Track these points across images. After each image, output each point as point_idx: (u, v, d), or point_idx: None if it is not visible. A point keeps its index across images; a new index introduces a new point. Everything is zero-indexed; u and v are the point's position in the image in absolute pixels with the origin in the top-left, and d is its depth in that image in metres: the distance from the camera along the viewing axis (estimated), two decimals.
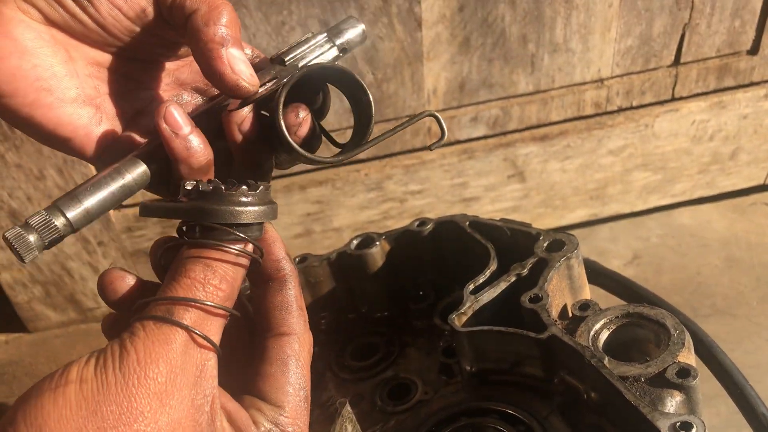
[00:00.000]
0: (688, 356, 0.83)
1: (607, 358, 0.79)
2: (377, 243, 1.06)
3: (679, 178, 1.93)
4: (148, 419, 0.48)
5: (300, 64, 0.67)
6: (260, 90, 0.63)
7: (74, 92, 0.63)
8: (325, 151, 0.67)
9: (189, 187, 0.57)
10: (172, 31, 0.64)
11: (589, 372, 0.79)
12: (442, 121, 0.68)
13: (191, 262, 0.54)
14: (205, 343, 0.53)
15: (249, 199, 0.57)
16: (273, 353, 0.59)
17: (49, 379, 0.48)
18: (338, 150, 0.69)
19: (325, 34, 0.69)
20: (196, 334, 0.52)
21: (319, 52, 0.68)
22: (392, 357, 1.03)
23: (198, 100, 0.70)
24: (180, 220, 0.58)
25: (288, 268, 0.61)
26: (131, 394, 0.48)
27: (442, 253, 1.07)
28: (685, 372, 0.78)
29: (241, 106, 0.63)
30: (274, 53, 0.67)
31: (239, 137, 0.64)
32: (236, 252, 0.56)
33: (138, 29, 0.63)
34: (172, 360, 0.50)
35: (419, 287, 1.10)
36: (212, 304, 0.54)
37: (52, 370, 0.50)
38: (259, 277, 0.61)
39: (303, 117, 0.66)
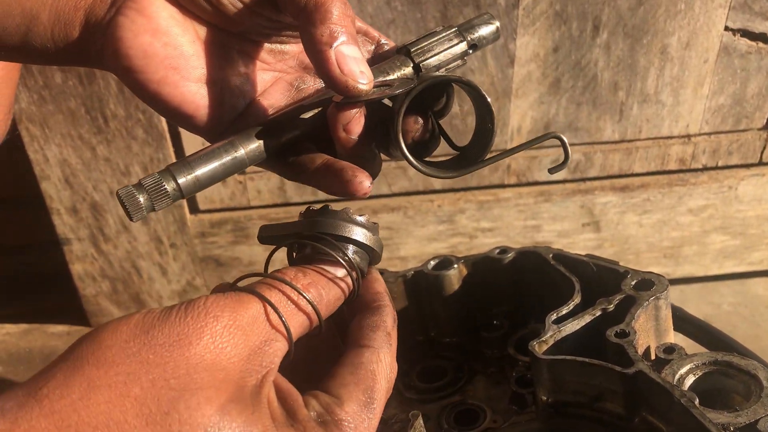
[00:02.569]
0: None
1: (697, 400, 0.75)
2: (455, 266, 1.05)
3: (759, 246, 1.87)
4: (197, 351, 0.47)
5: (427, 59, 0.65)
6: (373, 92, 0.60)
7: (200, 71, 0.64)
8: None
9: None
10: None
11: (678, 413, 0.75)
12: (567, 145, 0.63)
13: (291, 268, 0.57)
14: (279, 324, 0.52)
15: (364, 220, 0.59)
16: (347, 359, 0.57)
17: None
18: (456, 152, 0.67)
19: (456, 29, 0.67)
20: (273, 308, 0.52)
21: (448, 46, 0.66)
22: (460, 383, 1.01)
23: (320, 83, 0.70)
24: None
25: (386, 301, 0.61)
26: (187, 323, 0.48)
27: (520, 284, 1.05)
28: None
29: (346, 103, 0.61)
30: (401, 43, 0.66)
31: (343, 135, 0.62)
32: (336, 275, 0.58)
33: (260, 15, 0.64)
34: (238, 318, 0.50)
35: (493, 316, 1.08)
36: (300, 290, 0.54)
37: None
38: (356, 306, 0.61)
39: (420, 122, 0.65)
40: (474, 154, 0.65)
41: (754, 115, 1.66)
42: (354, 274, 0.59)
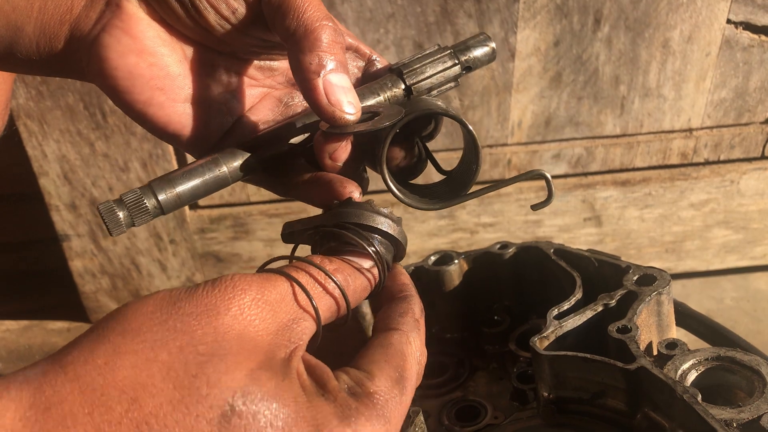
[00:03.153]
0: None
1: (700, 396, 0.75)
2: (456, 261, 1.04)
3: (761, 240, 1.86)
4: (225, 320, 0.46)
5: (419, 81, 0.65)
6: (361, 121, 0.60)
7: (186, 92, 0.63)
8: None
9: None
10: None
11: (680, 409, 0.75)
12: (552, 184, 0.63)
13: (317, 256, 0.56)
14: (307, 304, 0.51)
15: (388, 212, 0.58)
16: (376, 341, 0.55)
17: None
18: (443, 177, 0.68)
19: (450, 50, 0.67)
20: (302, 288, 0.51)
21: (442, 68, 0.66)
22: (461, 379, 1.01)
23: None
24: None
25: (412, 292, 0.60)
26: (215, 295, 0.47)
27: (521, 280, 1.04)
28: None
29: (333, 133, 0.60)
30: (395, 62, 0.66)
31: (329, 162, 0.62)
32: (362, 266, 0.57)
33: (249, 36, 0.63)
34: (266, 294, 0.49)
35: (494, 312, 1.07)
36: (329, 273, 0.53)
37: None
38: (382, 298, 0.60)
39: (408, 151, 0.66)
40: (458, 184, 0.65)
41: (756, 108, 1.65)
42: (380, 265, 0.58)
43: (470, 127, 0.61)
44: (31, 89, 1.43)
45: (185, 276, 1.74)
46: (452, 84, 0.67)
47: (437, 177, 0.69)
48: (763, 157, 1.73)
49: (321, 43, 0.57)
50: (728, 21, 1.51)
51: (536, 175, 0.62)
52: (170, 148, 1.53)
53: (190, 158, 0.67)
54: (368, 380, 0.51)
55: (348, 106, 0.58)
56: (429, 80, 0.65)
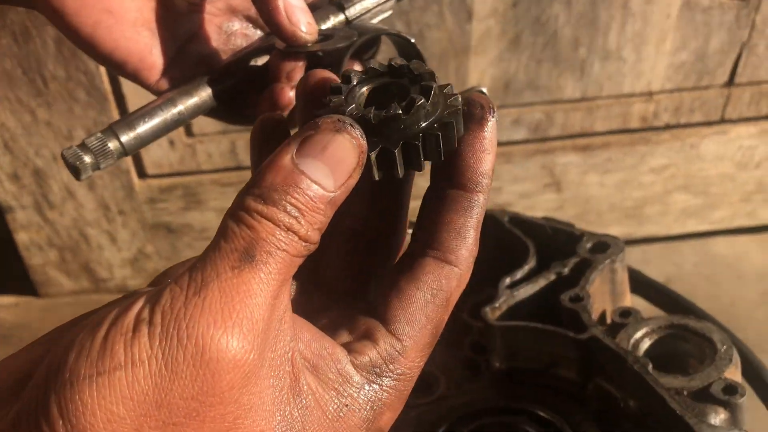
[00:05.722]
0: (735, 374, 0.78)
1: (650, 365, 0.73)
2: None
3: (720, 204, 1.86)
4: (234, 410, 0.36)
5: (358, 13, 0.68)
6: (315, 46, 0.64)
7: (134, 14, 0.63)
8: None
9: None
10: None
11: (630, 379, 0.73)
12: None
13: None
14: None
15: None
16: (426, 276, 0.43)
17: (85, 353, 0.34)
18: None
19: None
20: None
21: None
22: None
23: (248, 28, 0.70)
24: None
25: (486, 191, 0.44)
26: (204, 378, 0.35)
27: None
28: (731, 389, 0.73)
29: (290, 53, 0.64)
30: None
31: (284, 83, 0.64)
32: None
33: None
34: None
35: None
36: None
37: None
38: (447, 180, 0.44)
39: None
40: None
41: (716, 71, 1.63)
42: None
43: (416, 45, 0.66)
44: None
45: (136, 247, 1.69)
46: (387, 13, 0.71)
47: None
48: (722, 121, 1.72)
49: None
50: None
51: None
52: (116, 114, 1.46)
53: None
54: (402, 356, 0.42)
55: (306, 26, 0.61)
56: (367, 12, 0.69)
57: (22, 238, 1.64)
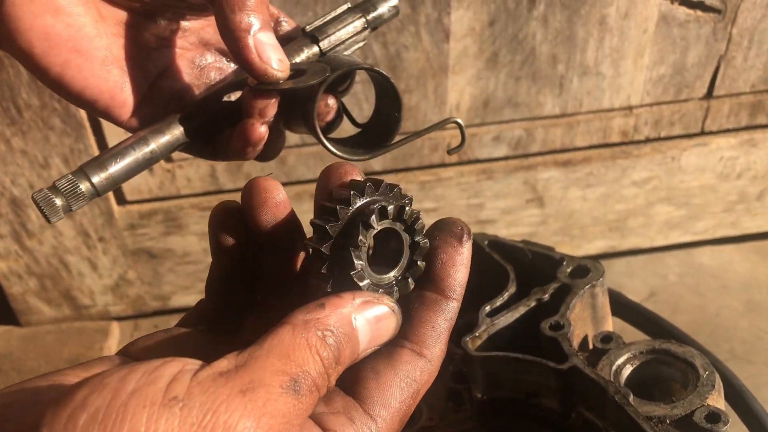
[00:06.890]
0: (717, 400, 0.77)
1: (632, 396, 0.72)
2: None
3: (703, 215, 1.86)
4: None
5: (332, 41, 0.67)
6: (288, 83, 0.62)
7: (103, 53, 0.62)
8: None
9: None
10: None
11: (612, 409, 0.72)
12: (464, 128, 0.68)
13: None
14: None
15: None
16: (403, 364, 0.47)
17: (99, 416, 0.34)
18: (358, 129, 0.71)
19: (359, 11, 0.69)
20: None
21: (353, 31, 0.68)
22: None
23: (221, 61, 0.69)
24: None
25: (459, 300, 0.52)
26: None
27: None
28: (715, 417, 0.72)
29: (262, 90, 0.63)
30: (306, 24, 0.68)
31: (257, 119, 0.63)
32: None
33: None
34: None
35: None
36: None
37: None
38: (426, 283, 0.51)
39: (332, 105, 0.68)
40: (379, 137, 0.68)
41: (694, 84, 1.64)
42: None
43: (391, 80, 0.65)
44: None
45: (117, 274, 1.67)
46: (361, 44, 0.70)
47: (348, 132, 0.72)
48: (702, 133, 1.72)
49: (249, 3, 0.58)
50: None
51: (450, 122, 0.67)
52: (92, 141, 1.45)
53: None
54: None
55: (278, 63, 0.60)
56: (341, 44, 0.69)
57: (0, 267, 1.62)
